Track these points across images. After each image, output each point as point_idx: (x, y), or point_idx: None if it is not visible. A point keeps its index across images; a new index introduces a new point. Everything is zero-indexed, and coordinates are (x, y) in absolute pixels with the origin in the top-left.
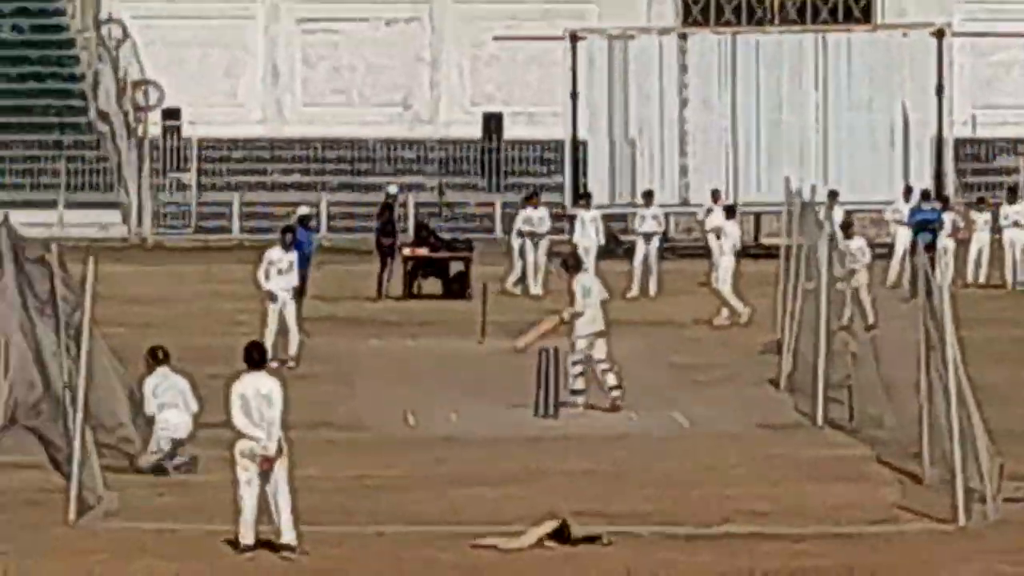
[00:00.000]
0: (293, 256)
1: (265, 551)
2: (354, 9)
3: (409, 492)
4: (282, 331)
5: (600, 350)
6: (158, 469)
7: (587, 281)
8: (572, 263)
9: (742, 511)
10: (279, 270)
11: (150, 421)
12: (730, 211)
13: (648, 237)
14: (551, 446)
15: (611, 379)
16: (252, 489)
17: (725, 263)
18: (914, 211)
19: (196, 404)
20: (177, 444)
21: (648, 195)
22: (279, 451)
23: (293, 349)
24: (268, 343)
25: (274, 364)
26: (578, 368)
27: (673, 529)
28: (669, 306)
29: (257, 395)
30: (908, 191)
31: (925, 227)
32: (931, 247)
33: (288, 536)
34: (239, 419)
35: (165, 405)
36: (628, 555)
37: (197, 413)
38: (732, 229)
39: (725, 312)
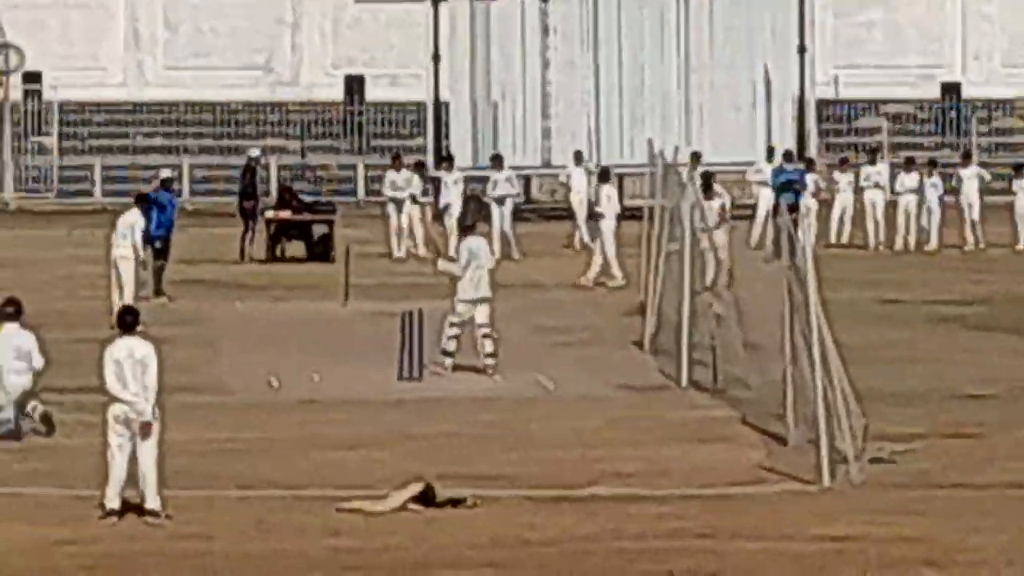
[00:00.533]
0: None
1: (130, 516)
2: None
3: (273, 456)
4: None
5: (482, 315)
6: (7, 435)
7: (475, 245)
8: (468, 223)
9: (607, 473)
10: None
11: None
12: (604, 175)
13: (501, 201)
14: (415, 408)
15: (488, 346)
16: (123, 454)
17: (607, 226)
18: (777, 172)
19: (41, 361)
20: (20, 407)
21: (496, 159)
22: (154, 416)
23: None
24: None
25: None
26: (454, 330)
27: (538, 492)
28: (532, 268)
29: (131, 359)
30: (770, 152)
31: (788, 188)
32: (794, 208)
33: (153, 502)
34: (113, 384)
35: (4, 369)
36: (493, 518)
37: (41, 370)
38: (611, 192)
39: (593, 271)
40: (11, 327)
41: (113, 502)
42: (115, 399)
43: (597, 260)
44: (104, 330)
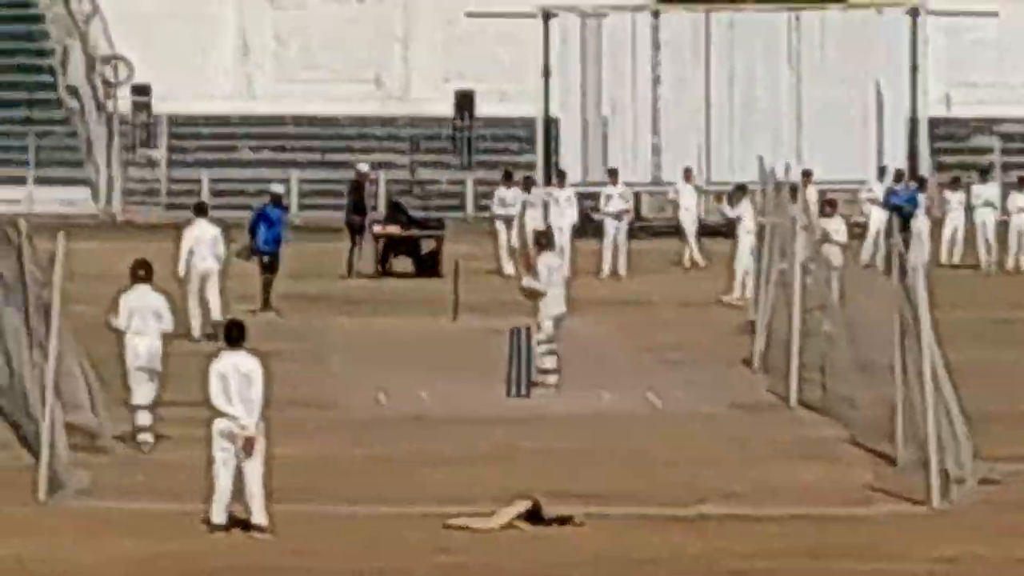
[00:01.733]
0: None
1: (236, 531)
2: None
3: (380, 472)
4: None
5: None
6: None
7: (553, 263)
8: (544, 241)
9: (715, 492)
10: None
11: (119, 337)
12: (743, 189)
13: (618, 216)
14: (523, 425)
15: (552, 362)
16: (228, 469)
17: (746, 241)
18: (889, 191)
19: (171, 321)
20: (150, 373)
21: (612, 173)
22: (258, 431)
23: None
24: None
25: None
26: (545, 347)
27: (645, 510)
28: (641, 285)
29: (236, 373)
30: (882, 171)
31: (899, 207)
32: (905, 227)
33: (259, 517)
34: (218, 398)
35: (135, 332)
36: (600, 536)
37: (170, 333)
38: (746, 208)
39: (738, 290)
40: (142, 289)
41: (219, 517)
42: (220, 413)
43: (740, 276)
44: (208, 344)
